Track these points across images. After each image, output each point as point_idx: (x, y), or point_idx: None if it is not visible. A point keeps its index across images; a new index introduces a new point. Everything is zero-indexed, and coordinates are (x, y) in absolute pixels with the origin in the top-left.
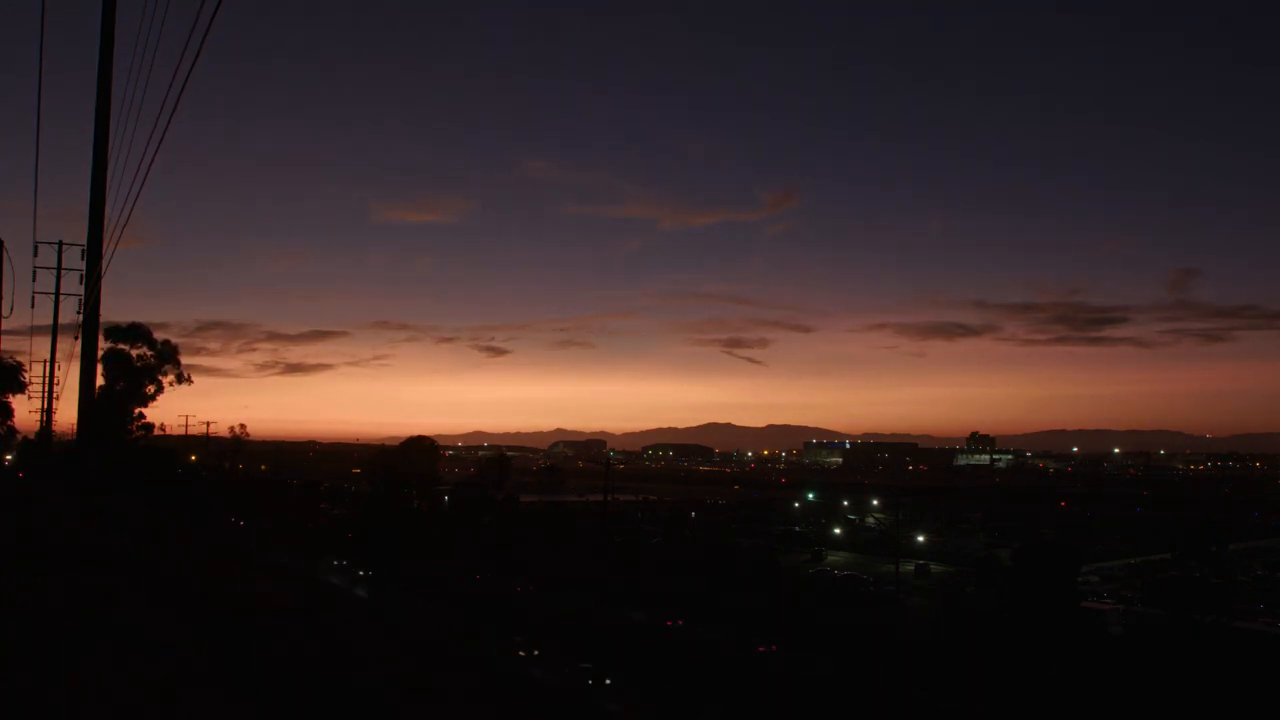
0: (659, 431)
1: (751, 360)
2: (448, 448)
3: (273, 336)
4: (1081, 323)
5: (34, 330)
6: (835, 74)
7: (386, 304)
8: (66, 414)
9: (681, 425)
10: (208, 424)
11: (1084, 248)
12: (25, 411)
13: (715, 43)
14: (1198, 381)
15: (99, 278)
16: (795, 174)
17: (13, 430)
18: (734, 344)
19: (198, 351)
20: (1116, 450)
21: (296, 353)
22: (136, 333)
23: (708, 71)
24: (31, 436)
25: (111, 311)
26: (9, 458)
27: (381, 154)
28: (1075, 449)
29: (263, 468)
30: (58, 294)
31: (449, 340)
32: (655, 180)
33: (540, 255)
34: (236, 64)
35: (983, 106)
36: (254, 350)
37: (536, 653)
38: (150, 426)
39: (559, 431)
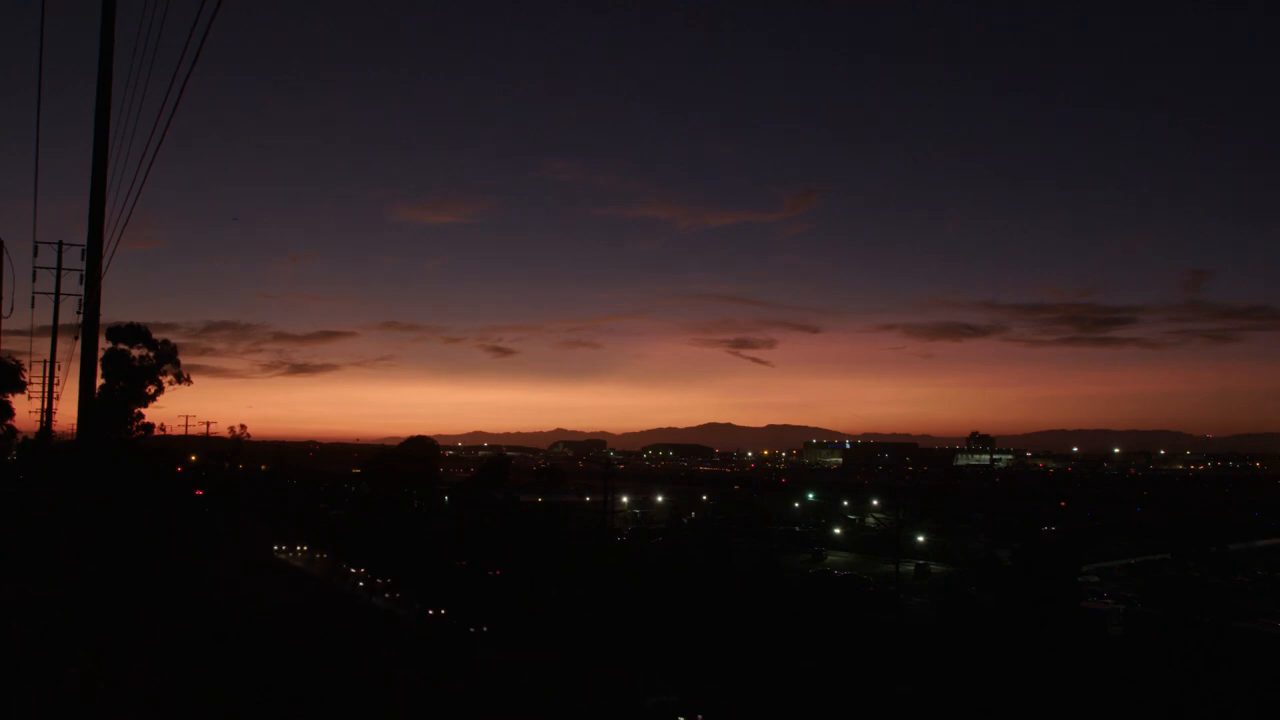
0: (659, 432)
1: (757, 361)
2: (448, 448)
3: (280, 337)
4: (1090, 323)
5: (34, 330)
6: (852, 77)
7: (398, 305)
8: (66, 414)
9: (681, 425)
10: (207, 424)
11: (1098, 249)
12: (25, 411)
13: (735, 45)
14: (1204, 382)
15: (99, 278)
16: (814, 176)
17: (13, 430)
18: (741, 344)
19: (204, 352)
20: (1117, 450)
21: (303, 353)
22: (136, 333)
23: (730, 73)
24: (31, 436)
25: (121, 312)
26: (10, 458)
27: (397, 155)
28: (1075, 449)
29: (263, 468)
30: (58, 294)
31: (456, 341)
32: (673, 181)
33: (555, 256)
34: (250, 64)
35: (997, 109)
36: (260, 351)
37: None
38: (150, 426)
39: (559, 432)
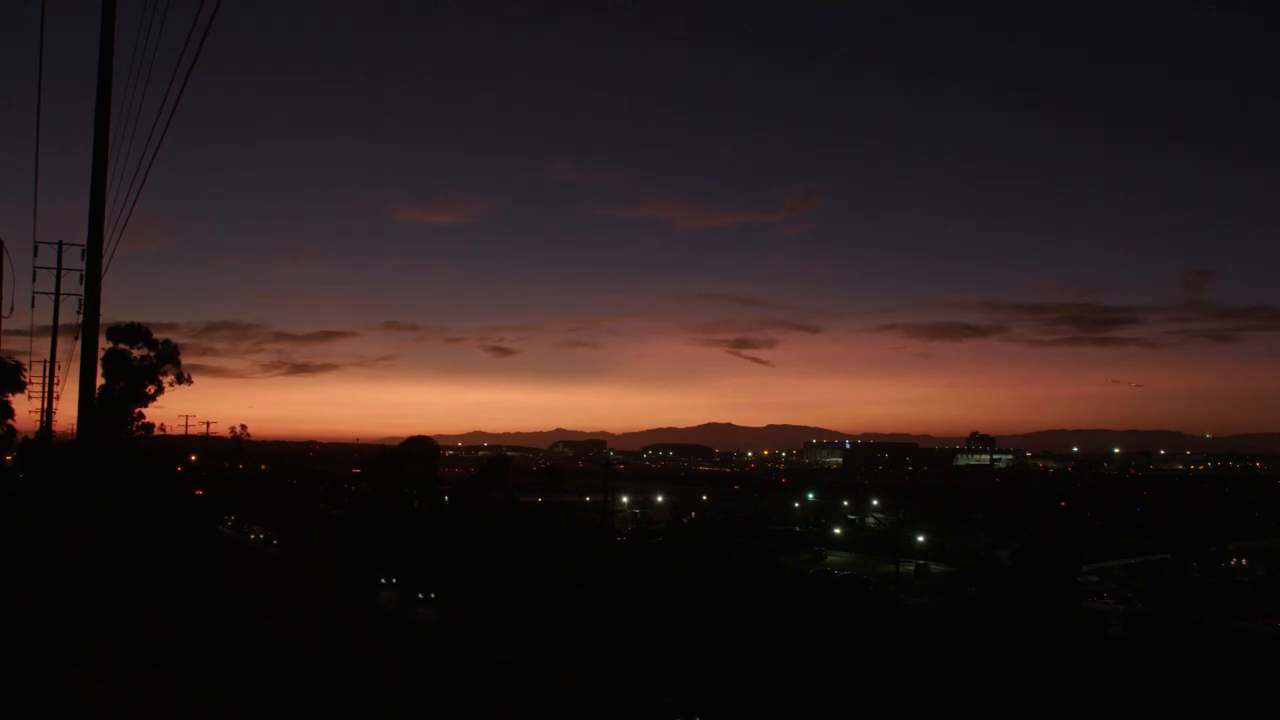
0: (659, 431)
1: (758, 360)
2: (448, 448)
3: (280, 337)
4: (1091, 323)
5: (34, 330)
6: (852, 77)
7: (398, 305)
8: (66, 414)
9: (681, 425)
10: (207, 424)
11: (1098, 249)
12: (25, 411)
13: (735, 45)
14: (1204, 382)
15: (99, 278)
16: (814, 176)
17: (13, 430)
18: (742, 344)
19: (205, 352)
20: (1116, 450)
21: (303, 353)
22: (136, 332)
23: (730, 73)
24: (31, 436)
25: (123, 312)
26: (10, 457)
27: (398, 155)
28: (1075, 449)
29: (263, 468)
30: (58, 294)
31: (456, 341)
32: (673, 181)
33: (556, 256)
34: (250, 64)
35: (998, 110)
36: (261, 351)
37: None
38: (150, 426)
39: (559, 432)
